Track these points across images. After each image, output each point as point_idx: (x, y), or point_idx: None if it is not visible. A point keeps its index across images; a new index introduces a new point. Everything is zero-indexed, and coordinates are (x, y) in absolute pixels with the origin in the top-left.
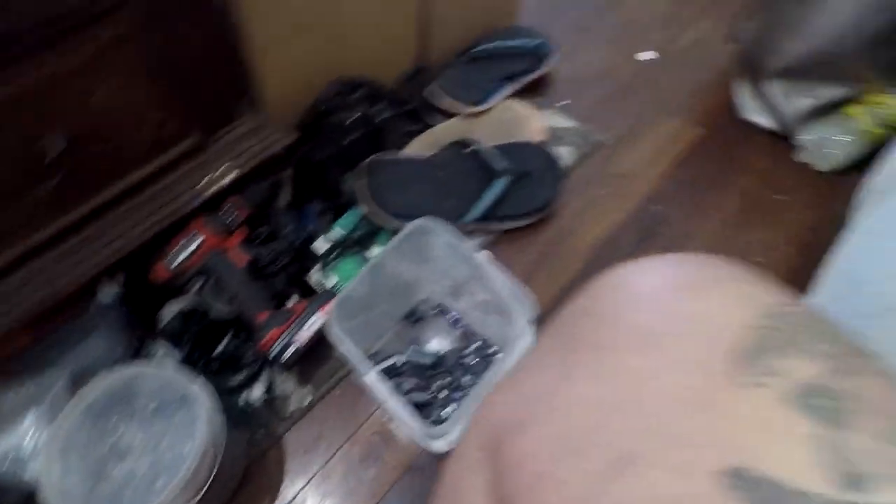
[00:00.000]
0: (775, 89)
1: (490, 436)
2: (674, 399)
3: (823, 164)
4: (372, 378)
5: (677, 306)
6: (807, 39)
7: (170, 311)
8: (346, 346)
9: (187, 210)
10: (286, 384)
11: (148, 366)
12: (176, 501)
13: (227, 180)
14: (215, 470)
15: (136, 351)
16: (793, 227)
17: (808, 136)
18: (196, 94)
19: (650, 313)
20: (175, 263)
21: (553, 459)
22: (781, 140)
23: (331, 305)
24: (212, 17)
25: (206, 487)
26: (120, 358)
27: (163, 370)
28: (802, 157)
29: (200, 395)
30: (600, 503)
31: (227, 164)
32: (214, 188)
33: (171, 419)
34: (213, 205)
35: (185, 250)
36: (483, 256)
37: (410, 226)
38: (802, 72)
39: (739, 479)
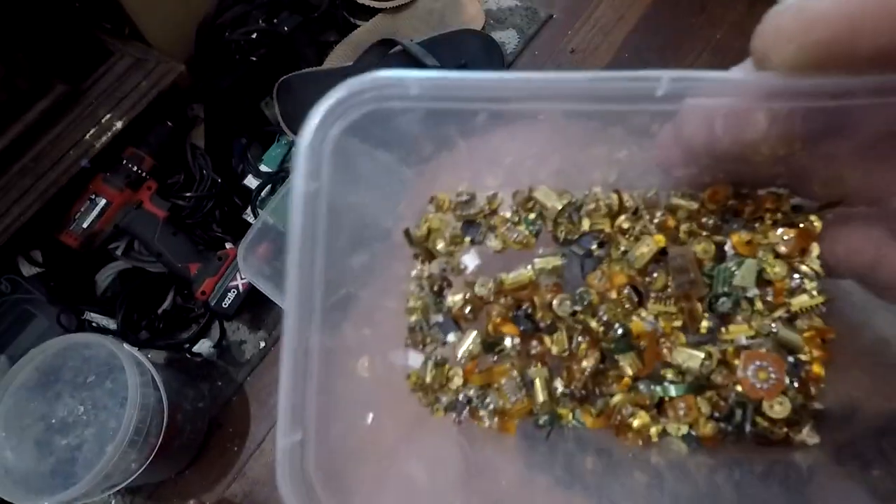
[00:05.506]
0: None
1: None
2: None
3: None
4: None
5: None
6: None
7: (106, 275)
8: (264, 287)
9: (77, 170)
10: (238, 332)
11: (77, 338)
12: (122, 464)
13: (116, 129)
14: (164, 426)
15: (76, 324)
16: None
17: None
18: (44, 38)
19: None
20: (82, 229)
21: None
22: None
23: (240, 248)
24: None
25: (159, 443)
26: (53, 334)
27: (91, 339)
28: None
29: (128, 360)
30: None
31: (111, 112)
32: (104, 140)
33: (104, 387)
34: (110, 159)
35: (90, 214)
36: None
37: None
38: None
39: None
